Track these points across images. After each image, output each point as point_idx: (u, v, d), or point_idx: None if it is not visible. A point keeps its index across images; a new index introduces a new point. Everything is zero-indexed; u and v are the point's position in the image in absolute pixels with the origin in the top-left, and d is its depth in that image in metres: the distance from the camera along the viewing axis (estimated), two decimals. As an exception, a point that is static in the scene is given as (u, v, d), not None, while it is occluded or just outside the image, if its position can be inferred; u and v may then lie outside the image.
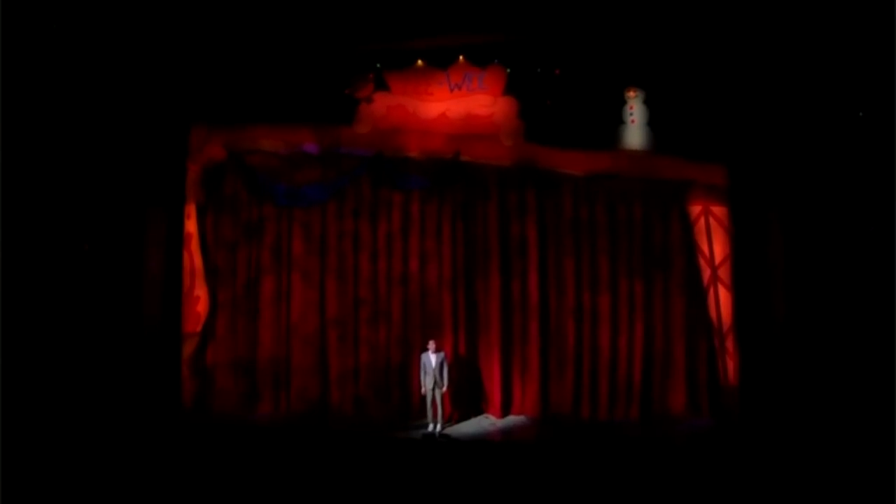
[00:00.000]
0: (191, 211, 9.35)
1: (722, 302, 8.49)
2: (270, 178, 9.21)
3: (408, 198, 9.08)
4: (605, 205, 8.80)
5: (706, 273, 8.59)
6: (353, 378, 9.05)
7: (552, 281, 8.88)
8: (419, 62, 8.96)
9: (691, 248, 8.60)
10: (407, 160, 8.99)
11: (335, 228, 9.16)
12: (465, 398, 8.90)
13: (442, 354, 8.36)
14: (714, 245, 8.57)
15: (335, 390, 9.07)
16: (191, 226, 9.37)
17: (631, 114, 8.63)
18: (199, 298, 9.34)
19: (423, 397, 8.37)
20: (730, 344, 8.41)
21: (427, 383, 8.25)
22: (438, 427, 8.24)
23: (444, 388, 8.27)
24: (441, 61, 8.95)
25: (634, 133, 8.61)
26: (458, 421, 8.71)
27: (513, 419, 8.85)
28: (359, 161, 9.04)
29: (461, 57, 8.90)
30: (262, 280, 9.22)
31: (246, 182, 9.28)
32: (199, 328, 9.28)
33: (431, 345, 8.30)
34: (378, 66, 8.99)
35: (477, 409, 8.96)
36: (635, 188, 8.70)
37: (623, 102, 8.67)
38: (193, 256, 9.37)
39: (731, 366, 8.41)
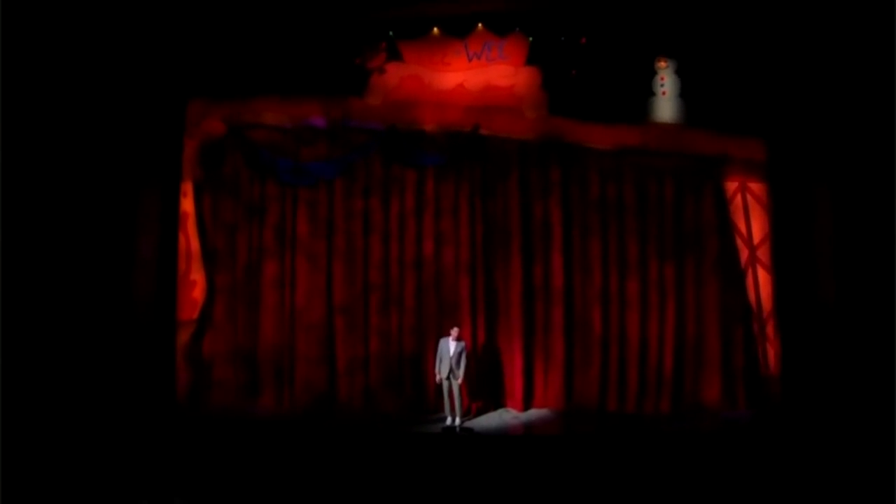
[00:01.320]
0: (187, 189, 8.45)
1: (761, 284, 7.75)
2: (274, 155, 8.36)
3: (422, 175, 8.25)
4: (634, 182, 8.03)
5: (744, 254, 7.84)
6: (363, 369, 8.18)
7: (577, 264, 8.08)
8: (435, 30, 8.17)
9: (727, 228, 7.84)
10: (421, 134, 8.17)
11: (343, 208, 8.30)
12: (484, 390, 8.07)
13: (462, 344, 7.51)
14: (752, 224, 7.81)
15: (343, 382, 8.19)
16: (187, 205, 8.47)
17: (662, 85, 7.89)
18: (195, 283, 8.44)
19: (438, 388, 7.55)
20: (770, 330, 7.66)
21: (442, 371, 7.40)
22: (457, 420, 7.42)
23: (460, 380, 7.42)
24: (458, 29, 8.16)
25: (665, 105, 7.87)
26: (477, 414, 7.88)
27: (535, 412, 8.02)
28: (369, 135, 8.21)
29: (480, 25, 8.11)
30: (263, 264, 8.33)
31: (247, 158, 8.41)
32: (195, 315, 8.37)
33: (454, 332, 7.45)
34: (391, 34, 8.18)
35: (496, 402, 8.12)
36: (666, 164, 7.95)
37: (653, 73, 7.93)
38: (190, 238, 8.47)
39: (771, 353, 7.66)
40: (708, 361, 7.91)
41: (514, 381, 8.06)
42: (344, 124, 8.26)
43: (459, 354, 7.42)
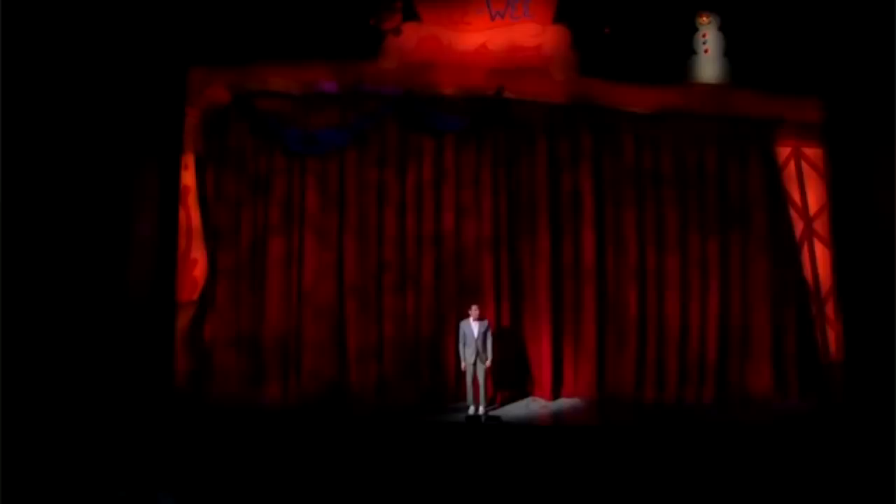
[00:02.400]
0: (188, 162, 7.66)
1: (819, 260, 6.90)
2: (281, 123, 7.55)
3: (441, 143, 7.43)
4: (673, 150, 7.22)
5: (798, 227, 6.99)
6: (376, 355, 7.33)
7: (610, 239, 7.25)
8: (455, -13, 7.42)
9: (778, 198, 7.01)
10: (440, 99, 7.33)
11: (356, 180, 7.49)
12: (508, 378, 7.21)
13: (486, 323, 6.70)
14: (808, 193, 6.98)
15: (354, 370, 7.34)
16: (188, 178, 7.69)
17: (704, 42, 7.07)
18: (196, 262, 7.65)
19: (462, 376, 6.72)
20: (830, 310, 6.81)
21: (467, 356, 6.58)
22: (482, 409, 6.58)
23: (489, 363, 6.60)
24: (480, -14, 7.40)
25: (708, 65, 7.03)
26: (501, 405, 7.03)
27: (565, 402, 7.17)
28: (384, 101, 7.39)
29: (504, -20, 7.37)
30: (269, 241, 7.52)
31: (253, 127, 7.61)
32: (195, 296, 7.57)
33: (473, 311, 6.64)
34: (407, -8, 7.46)
35: (522, 391, 7.28)
36: (709, 129, 7.13)
37: (694, 29, 7.10)
38: (190, 213, 7.69)
39: (832, 337, 6.80)
40: (756, 346, 7.05)
41: (542, 368, 7.20)
42: (356, 90, 7.43)
43: (484, 335, 6.60)
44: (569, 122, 7.30)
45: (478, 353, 6.57)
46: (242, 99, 7.64)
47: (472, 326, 6.63)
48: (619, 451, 5.78)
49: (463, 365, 6.66)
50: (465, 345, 6.63)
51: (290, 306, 7.48)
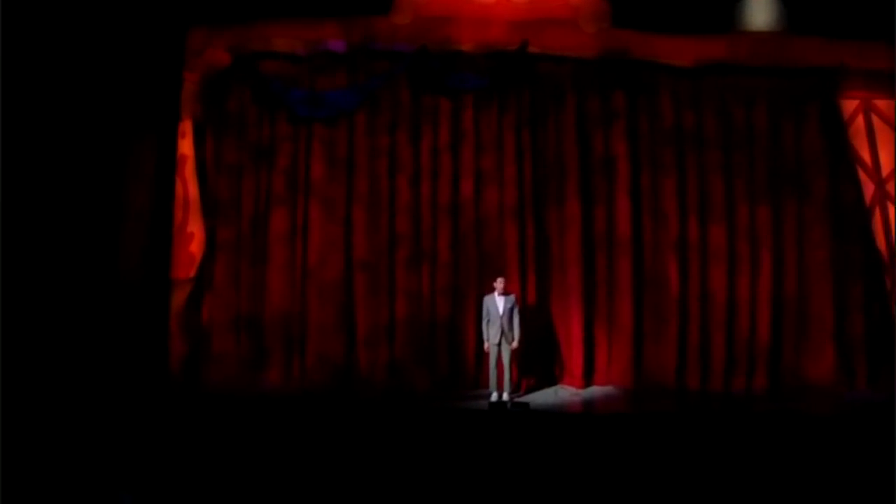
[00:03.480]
0: (186, 129, 6.94)
1: (894, 227, 5.94)
2: (285, 85, 6.85)
3: (458, 104, 6.61)
4: (717, 108, 6.36)
5: (868, 189, 6.08)
6: (387, 337, 6.52)
7: (647, 208, 6.39)
8: (474, -66, 6.63)
9: (843, 159, 6.11)
10: (458, 55, 6.54)
11: (366, 146, 6.69)
12: (534, 363, 6.36)
13: (512, 298, 5.88)
14: (879, 151, 6.05)
15: (363, 353, 6.53)
16: (185, 147, 6.97)
17: (753, -16, 6.27)
18: (192, 236, 6.92)
19: (483, 359, 5.93)
20: (907, 284, 5.90)
21: (491, 336, 5.76)
22: (506, 395, 5.76)
23: (515, 344, 5.78)
24: (501, -69, 6.60)
25: (759, 9, 6.16)
26: (527, 392, 6.19)
27: (597, 391, 6.30)
28: (397, 59, 6.60)
29: (527, -76, 6.55)
30: (271, 213, 6.78)
31: (255, 92, 6.89)
32: (191, 273, 6.84)
33: (499, 283, 5.82)
34: (421, -60, 6.68)
35: (548, 378, 6.42)
36: (759, 84, 6.26)
37: (742, -30, 6.31)
38: (188, 184, 6.96)
39: (909, 314, 5.87)
40: (815, 327, 6.15)
41: (571, 351, 6.34)
42: (366, 48, 6.67)
43: (511, 311, 5.78)
44: (600, 79, 6.46)
45: (503, 333, 5.74)
46: (244, 61, 6.91)
47: (497, 302, 5.80)
48: (659, 442, 4.94)
49: (486, 345, 5.84)
50: (488, 322, 5.81)
51: (294, 284, 6.70)
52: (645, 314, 6.36)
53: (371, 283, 6.62)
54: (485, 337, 5.85)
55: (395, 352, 6.52)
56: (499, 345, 5.78)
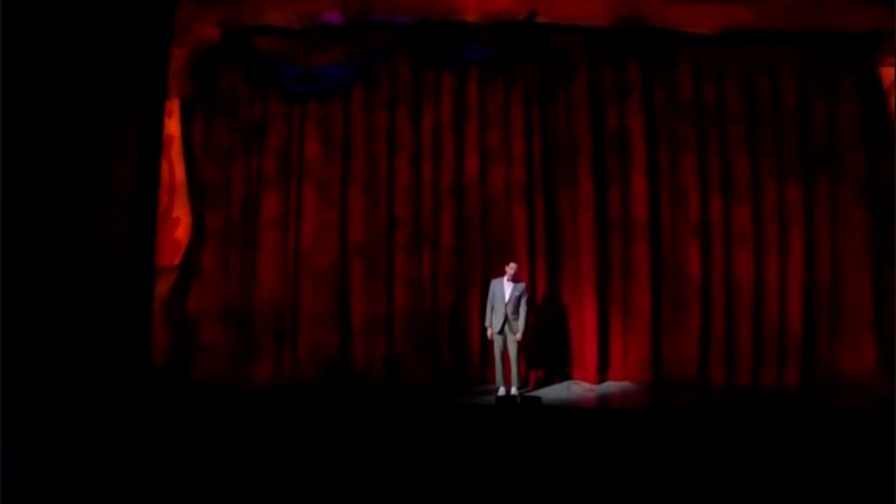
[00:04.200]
0: (173, 108, 6.50)
1: (938, 206, 5.37)
2: (278, 60, 6.41)
3: (462, 79, 6.11)
4: (741, 80, 5.81)
5: (910, 165, 5.51)
6: (385, 328, 5.99)
7: (665, 188, 5.85)
8: None
9: (883, 133, 5.48)
10: (462, 26, 6.00)
11: (363, 124, 6.19)
12: (542, 356, 5.80)
13: (522, 286, 5.32)
14: (923, 124, 5.48)
15: (359, 345, 6.00)
16: (172, 127, 6.47)
17: (782, -58, 5.69)
18: (178, 221, 6.42)
19: (489, 351, 5.39)
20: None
21: (494, 322, 5.22)
22: (514, 390, 5.22)
23: (518, 335, 5.23)
24: None
25: (786, -29, 5.68)
26: (536, 387, 5.63)
27: (613, 386, 5.74)
28: (396, 31, 6.08)
29: None
30: (262, 197, 6.29)
31: (247, 68, 6.42)
32: (177, 260, 6.35)
33: (510, 268, 5.27)
34: None
35: (559, 373, 5.86)
36: (788, 53, 5.71)
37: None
38: (174, 166, 6.45)
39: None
40: (851, 316, 5.57)
41: (585, 344, 5.77)
42: (364, 20, 6.14)
43: (518, 299, 5.22)
44: (614, 51, 5.95)
45: (506, 321, 5.19)
46: (235, 36, 6.41)
47: (505, 287, 5.25)
48: (681, 440, 4.38)
49: (489, 332, 5.30)
50: (492, 310, 5.26)
51: (286, 272, 6.18)
52: (664, 303, 5.79)
53: (368, 269, 6.08)
54: (486, 322, 5.30)
55: (393, 344, 5.97)
56: (502, 334, 5.23)
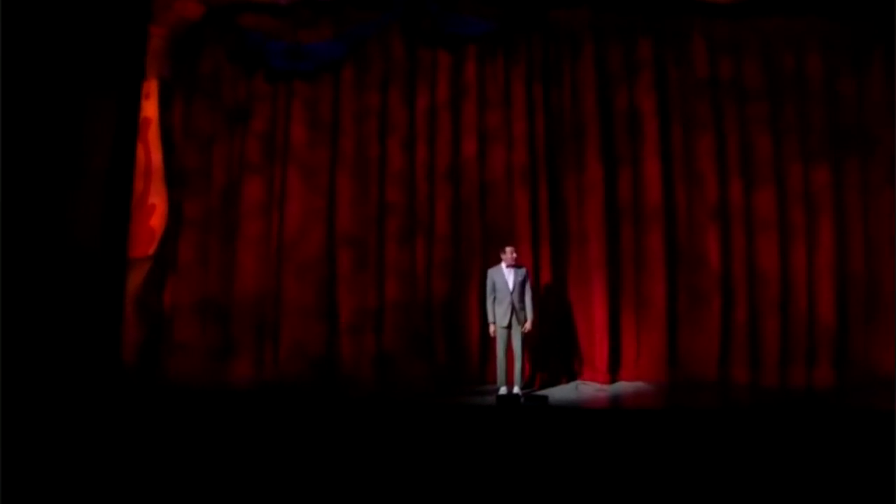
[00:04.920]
0: (151, 89, 6.05)
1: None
2: (263, 38, 5.96)
3: (459, 57, 5.61)
4: (761, 55, 5.30)
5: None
6: (375, 323, 5.43)
7: (680, 171, 5.32)
8: None
9: (917, 108, 4.99)
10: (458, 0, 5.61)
11: (353, 106, 5.70)
12: (549, 354, 5.21)
13: (524, 271, 4.75)
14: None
15: (346, 342, 5.43)
16: (150, 109, 6.00)
17: None
18: (154, 208, 5.91)
19: (489, 347, 4.84)
20: None
21: (499, 316, 4.61)
22: (517, 389, 4.61)
23: (528, 325, 4.63)
24: None
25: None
26: (542, 388, 5.05)
27: (626, 386, 5.17)
28: (388, 4, 5.67)
29: None
30: (244, 183, 5.77)
31: (231, 47, 5.93)
32: (151, 250, 5.86)
33: (508, 253, 4.71)
34: None
35: (568, 372, 5.28)
36: (812, 25, 5.20)
37: None
38: (150, 150, 5.97)
39: None
40: (887, 309, 4.93)
41: (594, 340, 5.19)
42: (355, -6, 5.91)
43: (522, 286, 4.64)
44: (622, 25, 5.46)
45: (514, 312, 4.59)
46: (219, 13, 5.94)
47: (506, 275, 4.66)
48: (702, 443, 3.84)
49: (491, 329, 4.69)
50: (495, 300, 4.65)
51: (269, 263, 5.63)
52: (680, 295, 5.22)
53: (357, 260, 5.52)
54: (489, 318, 4.69)
55: (383, 340, 5.40)
56: (508, 328, 4.62)
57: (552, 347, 5.28)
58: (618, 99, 5.42)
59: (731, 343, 5.12)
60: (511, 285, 4.63)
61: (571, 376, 5.25)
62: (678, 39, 5.40)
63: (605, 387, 5.08)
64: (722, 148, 5.28)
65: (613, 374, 5.18)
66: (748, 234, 5.17)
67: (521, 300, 4.63)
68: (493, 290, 4.68)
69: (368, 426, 4.22)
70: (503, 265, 4.72)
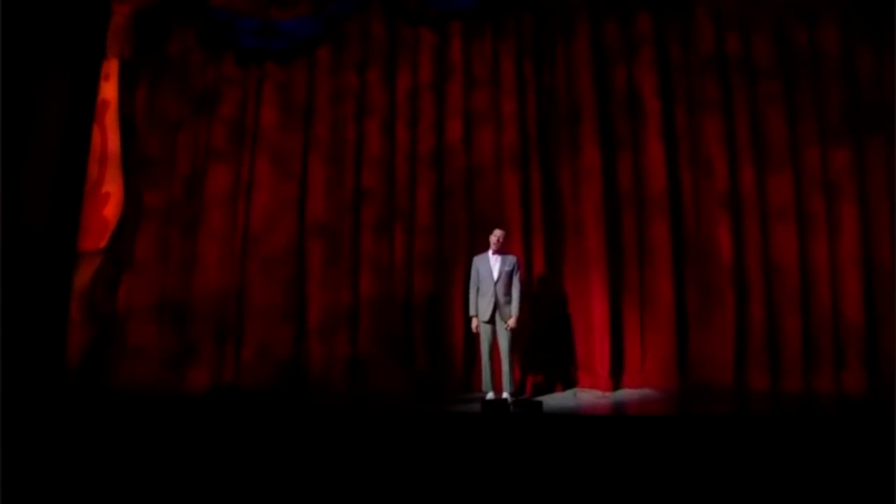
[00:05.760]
0: (111, 70, 5.54)
1: None
2: (235, 14, 5.48)
3: (444, 35, 5.11)
4: (772, 29, 4.79)
5: None
6: (348, 323, 4.80)
7: (685, 155, 4.75)
8: None
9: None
10: (443, -29, 5.18)
11: (329, 87, 5.18)
12: (543, 358, 4.57)
13: (513, 259, 4.12)
14: None
15: (316, 344, 4.80)
16: (109, 90, 5.46)
17: None
18: (108, 196, 5.32)
19: (475, 348, 4.21)
20: None
21: (481, 309, 3.99)
22: (505, 394, 3.98)
23: (513, 320, 3.98)
24: None
25: None
26: (534, 395, 4.41)
27: (630, 394, 4.50)
28: (367, -20, 5.32)
29: None
30: (209, 171, 5.18)
31: (200, 27, 5.40)
32: (102, 243, 5.26)
33: (495, 237, 4.09)
34: None
35: (564, 379, 4.63)
36: (826, -5, 4.83)
37: None
38: (107, 134, 5.42)
39: None
40: (921, 304, 4.47)
41: (594, 343, 4.55)
42: (332, -30, 5.46)
43: (509, 276, 4.01)
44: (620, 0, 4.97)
45: (497, 306, 3.97)
46: (186, -9, 5.67)
47: (492, 263, 4.04)
48: (718, 454, 3.24)
49: (474, 323, 4.05)
50: (479, 294, 4.03)
51: (233, 257, 5.02)
52: (689, 291, 4.60)
53: (329, 253, 4.92)
54: (471, 310, 4.05)
55: (357, 342, 4.75)
56: (491, 323, 3.98)
57: (546, 350, 4.64)
58: (616, 78, 4.87)
59: (748, 344, 4.48)
60: (496, 274, 4.00)
61: (568, 383, 4.59)
62: (680, 13, 4.89)
63: (607, 394, 4.43)
64: (731, 130, 4.72)
65: (616, 381, 4.50)
66: (762, 223, 4.58)
67: (507, 292, 3.99)
68: (477, 279, 4.05)
69: (338, 437, 3.60)
70: (490, 252, 4.09)
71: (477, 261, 4.13)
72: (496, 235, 4.07)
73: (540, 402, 3.77)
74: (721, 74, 4.82)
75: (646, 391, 4.48)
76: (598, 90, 4.88)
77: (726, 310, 4.53)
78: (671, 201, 4.69)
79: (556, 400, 4.34)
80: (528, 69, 4.97)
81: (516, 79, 4.94)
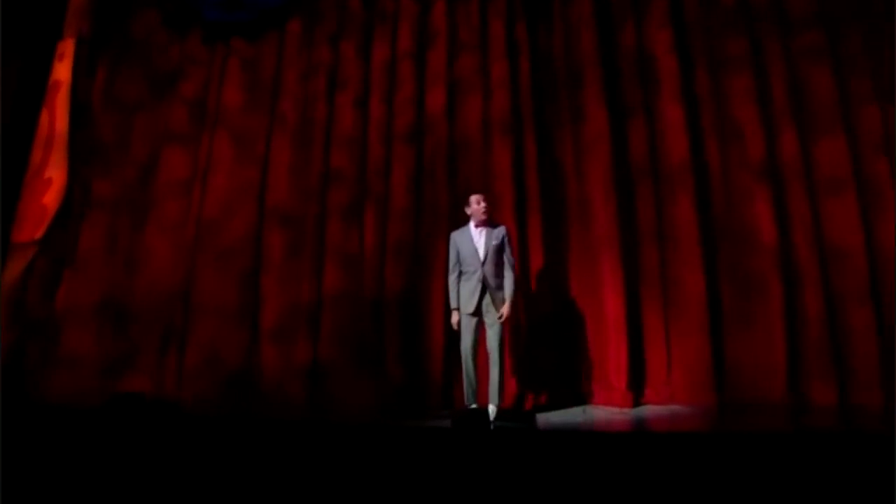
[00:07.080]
0: (66, 50, 4.99)
1: None
2: (199, -11, 4.98)
3: (426, 5, 4.42)
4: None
5: None
6: (309, 325, 3.92)
7: (709, 118, 3.84)
8: None
9: None
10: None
11: (300, 64, 4.51)
12: (541, 367, 3.67)
13: (502, 230, 3.20)
14: None
15: (270, 350, 3.93)
16: (62, 71, 4.86)
17: None
18: (50, 182, 4.62)
19: (455, 352, 3.31)
20: None
21: (464, 299, 3.07)
22: (491, 407, 2.98)
23: (506, 308, 3.06)
24: None
25: None
26: (535, 410, 3.46)
27: (653, 410, 3.49)
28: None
29: None
30: (164, 155, 4.51)
31: (167, 10, 4.97)
32: (38, 234, 4.58)
33: (474, 205, 3.19)
34: None
35: (574, 392, 3.63)
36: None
37: None
38: (56, 117, 4.79)
39: None
40: None
41: (608, 348, 3.56)
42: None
43: (498, 253, 3.09)
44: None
45: (485, 291, 3.06)
46: (151, -32, 5.15)
47: (475, 237, 3.14)
48: (765, 477, 2.30)
49: (455, 317, 3.14)
50: (460, 275, 3.14)
51: (184, 250, 4.30)
52: (723, 283, 3.60)
53: (290, 243, 4.10)
54: (452, 303, 3.13)
55: (319, 348, 3.85)
56: (478, 315, 3.05)
57: (547, 360, 3.69)
58: (623, 36, 4.06)
59: (803, 347, 3.46)
60: (482, 252, 3.08)
61: (578, 398, 3.62)
62: (697, -38, 4.20)
63: (625, 411, 3.45)
64: (764, 89, 3.81)
65: (636, 395, 3.51)
66: (811, 197, 3.60)
67: (498, 274, 3.05)
68: (458, 261, 3.13)
69: (291, 455, 2.76)
70: (471, 224, 3.20)
71: (456, 237, 3.21)
72: (476, 203, 3.15)
73: (532, 414, 2.84)
74: (748, 27, 3.97)
75: (675, 407, 3.48)
76: (603, 51, 4.06)
77: (772, 304, 3.50)
78: (696, 174, 3.76)
79: (561, 417, 3.39)
80: (520, 31, 4.17)
81: (507, 42, 4.15)
